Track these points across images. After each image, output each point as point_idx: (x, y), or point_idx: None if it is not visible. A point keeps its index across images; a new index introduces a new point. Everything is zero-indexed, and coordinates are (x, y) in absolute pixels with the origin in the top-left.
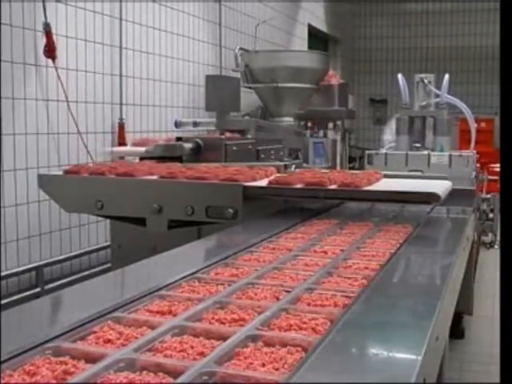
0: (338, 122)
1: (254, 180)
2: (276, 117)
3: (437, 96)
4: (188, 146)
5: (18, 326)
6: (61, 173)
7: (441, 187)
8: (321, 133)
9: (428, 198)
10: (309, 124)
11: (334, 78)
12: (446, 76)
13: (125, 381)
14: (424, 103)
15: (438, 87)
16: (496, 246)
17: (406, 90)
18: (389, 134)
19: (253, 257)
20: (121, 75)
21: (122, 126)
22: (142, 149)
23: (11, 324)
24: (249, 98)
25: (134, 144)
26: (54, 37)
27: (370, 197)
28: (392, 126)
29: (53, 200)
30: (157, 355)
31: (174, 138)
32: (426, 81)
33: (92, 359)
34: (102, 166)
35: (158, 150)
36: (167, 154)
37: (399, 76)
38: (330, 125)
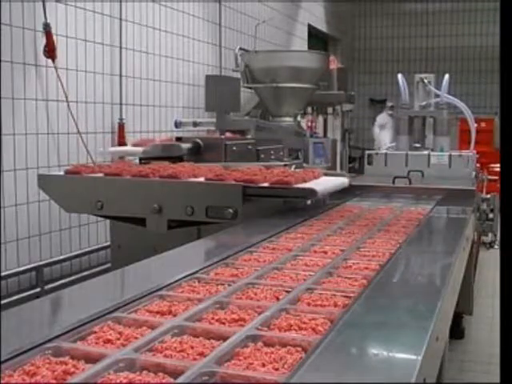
0: (337, 107)
1: (304, 182)
2: (276, 117)
3: (437, 96)
4: (186, 146)
5: (18, 326)
6: (62, 173)
7: (327, 184)
8: (319, 118)
9: (305, 193)
10: (308, 110)
11: (333, 63)
12: (446, 76)
13: (125, 381)
14: (424, 103)
15: (438, 87)
16: (496, 246)
17: (406, 89)
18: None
19: (253, 257)
20: (121, 75)
21: (121, 126)
22: (140, 149)
23: (11, 324)
24: (245, 98)
25: (134, 144)
26: (54, 37)
27: (254, 192)
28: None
29: (53, 200)
30: (157, 355)
31: (172, 138)
32: (425, 81)
33: (92, 359)
34: (147, 168)
35: (156, 150)
36: (165, 154)
37: (399, 76)
38: (329, 110)
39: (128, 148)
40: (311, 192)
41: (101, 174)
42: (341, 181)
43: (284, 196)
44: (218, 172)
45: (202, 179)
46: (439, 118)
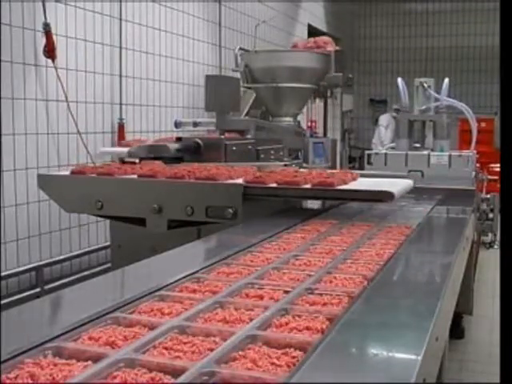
0: (335, 90)
1: (345, 183)
2: (276, 117)
3: (436, 100)
4: (174, 146)
5: (18, 325)
6: (66, 173)
7: (398, 186)
8: (317, 102)
9: (382, 196)
10: None
11: (330, 45)
12: (446, 80)
13: (125, 381)
14: (424, 107)
15: (438, 90)
16: (496, 246)
17: (406, 93)
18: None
19: (253, 257)
20: (121, 75)
21: (121, 126)
22: (125, 149)
23: (11, 324)
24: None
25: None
26: (54, 37)
27: (326, 195)
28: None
29: (53, 200)
30: (157, 355)
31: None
32: (425, 85)
33: (92, 359)
34: (182, 170)
35: (142, 151)
36: (152, 155)
37: (399, 80)
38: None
39: (117, 149)
40: (389, 195)
41: (134, 176)
42: (407, 183)
43: (360, 199)
44: (257, 174)
45: (240, 181)
46: (439, 122)
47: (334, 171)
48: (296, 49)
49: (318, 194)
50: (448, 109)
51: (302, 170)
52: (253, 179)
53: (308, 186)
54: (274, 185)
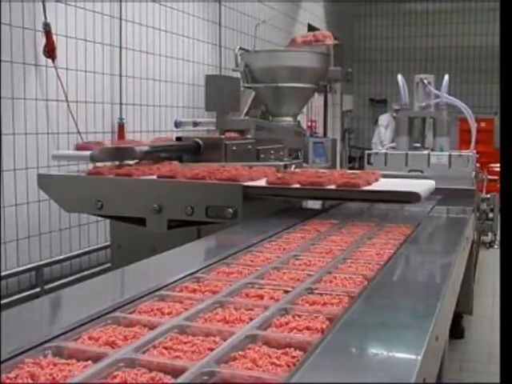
0: (335, 86)
1: (369, 184)
2: (276, 117)
3: (437, 97)
4: (141, 149)
5: (18, 325)
6: (112, 176)
7: (423, 187)
8: (316, 97)
9: (409, 197)
10: None
11: (329, 39)
12: (446, 77)
13: (125, 381)
14: (424, 104)
15: (438, 88)
16: (496, 246)
17: (406, 90)
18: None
19: (253, 257)
20: (120, 75)
21: (121, 126)
22: (87, 153)
23: (11, 324)
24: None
25: (78, 148)
26: (54, 37)
27: (352, 197)
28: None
29: (53, 200)
30: (157, 355)
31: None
32: (425, 81)
33: (92, 359)
34: (202, 171)
35: (106, 154)
36: (116, 159)
37: (399, 77)
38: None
39: (72, 152)
40: (415, 196)
41: (154, 176)
42: (430, 183)
43: (386, 200)
44: (279, 175)
45: (262, 182)
46: (439, 119)
47: (356, 171)
48: (296, 48)
49: (342, 195)
50: (448, 107)
51: (322, 170)
52: (275, 180)
53: (332, 186)
54: (298, 185)
